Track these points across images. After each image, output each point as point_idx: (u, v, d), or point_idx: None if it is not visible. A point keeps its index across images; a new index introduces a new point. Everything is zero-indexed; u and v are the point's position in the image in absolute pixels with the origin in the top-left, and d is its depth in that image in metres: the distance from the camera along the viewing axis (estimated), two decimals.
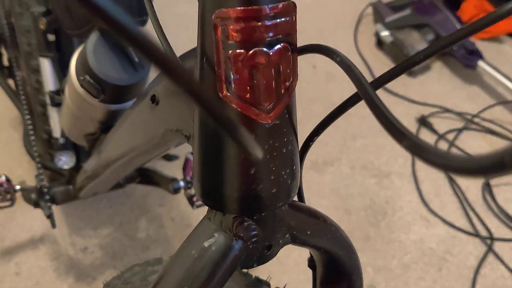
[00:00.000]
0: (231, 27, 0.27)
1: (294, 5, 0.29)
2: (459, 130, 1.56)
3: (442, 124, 1.59)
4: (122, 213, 1.33)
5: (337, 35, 1.96)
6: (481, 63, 1.62)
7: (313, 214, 0.38)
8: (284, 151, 0.31)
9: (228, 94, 0.28)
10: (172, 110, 0.41)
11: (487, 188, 1.39)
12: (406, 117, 1.61)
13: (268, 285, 0.48)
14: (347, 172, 1.47)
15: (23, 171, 1.43)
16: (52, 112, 0.95)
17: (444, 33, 1.66)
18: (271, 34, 0.27)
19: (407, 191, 1.41)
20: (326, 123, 0.37)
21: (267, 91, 0.28)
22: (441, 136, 1.54)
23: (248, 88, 0.28)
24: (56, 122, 0.96)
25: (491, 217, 1.34)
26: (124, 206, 1.34)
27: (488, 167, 0.18)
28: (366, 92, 0.29)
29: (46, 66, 0.91)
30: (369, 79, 1.68)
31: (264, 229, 0.33)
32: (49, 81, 0.92)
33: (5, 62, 1.38)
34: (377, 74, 1.75)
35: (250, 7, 0.26)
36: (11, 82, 1.39)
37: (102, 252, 1.27)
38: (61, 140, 0.96)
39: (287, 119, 0.30)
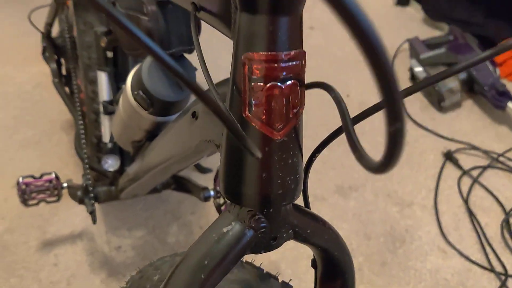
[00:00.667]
0: (254, 66, 0.36)
1: (304, 52, 0.38)
2: (484, 168, 1.60)
3: (467, 160, 1.64)
4: (156, 218, 1.43)
5: None
6: (510, 105, 1.66)
7: (314, 217, 0.46)
8: (290, 161, 0.40)
9: (249, 114, 0.37)
10: (207, 124, 0.51)
11: (507, 226, 1.43)
12: (433, 151, 1.66)
13: (276, 278, 0.56)
14: (371, 199, 1.53)
15: (69, 172, 1.55)
16: (104, 120, 1.07)
17: (476, 73, 1.72)
18: (284, 73, 0.36)
19: (427, 222, 1.46)
20: (326, 143, 0.45)
21: (279, 115, 0.37)
22: (466, 172, 1.58)
23: (264, 111, 0.37)
24: (107, 129, 1.07)
25: (507, 254, 1.37)
26: (158, 211, 1.44)
27: (380, 167, 0.27)
28: (346, 123, 0.37)
29: (102, 78, 1.03)
30: None
31: (271, 223, 0.42)
32: (104, 92, 1.04)
33: (64, 72, 1.52)
34: (408, 106, 1.82)
35: (270, 53, 0.36)
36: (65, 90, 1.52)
37: (134, 252, 1.36)
38: (109, 145, 1.07)
39: (293, 137, 0.39)
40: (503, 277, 1.30)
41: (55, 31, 1.52)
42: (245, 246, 0.41)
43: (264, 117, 0.37)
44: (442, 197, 1.52)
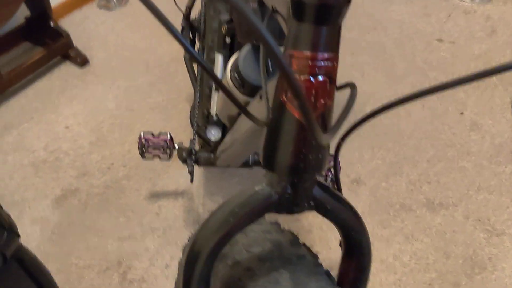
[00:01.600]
0: (294, 61, 0.45)
1: (337, 57, 0.46)
2: None
3: None
4: None
5: (495, 91, 1.96)
6: None
7: (338, 198, 0.54)
8: (313, 143, 0.48)
9: (285, 99, 0.47)
10: (263, 104, 0.61)
11: None
12: None
13: (308, 248, 0.65)
14: (459, 220, 1.50)
15: (185, 137, 1.75)
16: (214, 95, 1.22)
17: None
18: (316, 70, 0.45)
19: None
20: (349, 132, 0.52)
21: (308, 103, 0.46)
22: None
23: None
24: (215, 104, 1.23)
25: None
26: None
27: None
28: (346, 111, 0.44)
29: (219, 59, 1.18)
30: (503, 143, 1.66)
31: (294, 191, 0.51)
32: (218, 71, 1.19)
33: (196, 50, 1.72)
34: None
35: (305, 52, 0.45)
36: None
37: None
38: (215, 118, 1.23)
39: (319, 123, 0.48)
40: None
41: (194, 14, 1.71)
42: (269, 205, 0.51)
43: (295, 102, 0.47)
44: None
